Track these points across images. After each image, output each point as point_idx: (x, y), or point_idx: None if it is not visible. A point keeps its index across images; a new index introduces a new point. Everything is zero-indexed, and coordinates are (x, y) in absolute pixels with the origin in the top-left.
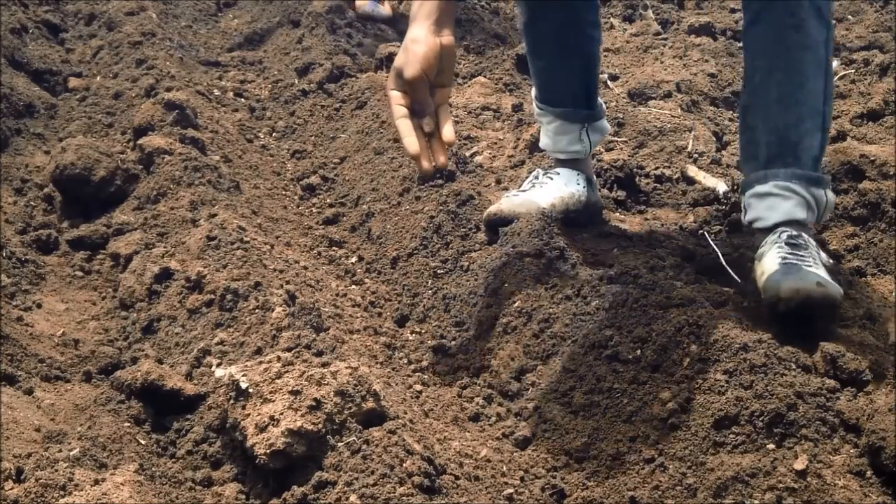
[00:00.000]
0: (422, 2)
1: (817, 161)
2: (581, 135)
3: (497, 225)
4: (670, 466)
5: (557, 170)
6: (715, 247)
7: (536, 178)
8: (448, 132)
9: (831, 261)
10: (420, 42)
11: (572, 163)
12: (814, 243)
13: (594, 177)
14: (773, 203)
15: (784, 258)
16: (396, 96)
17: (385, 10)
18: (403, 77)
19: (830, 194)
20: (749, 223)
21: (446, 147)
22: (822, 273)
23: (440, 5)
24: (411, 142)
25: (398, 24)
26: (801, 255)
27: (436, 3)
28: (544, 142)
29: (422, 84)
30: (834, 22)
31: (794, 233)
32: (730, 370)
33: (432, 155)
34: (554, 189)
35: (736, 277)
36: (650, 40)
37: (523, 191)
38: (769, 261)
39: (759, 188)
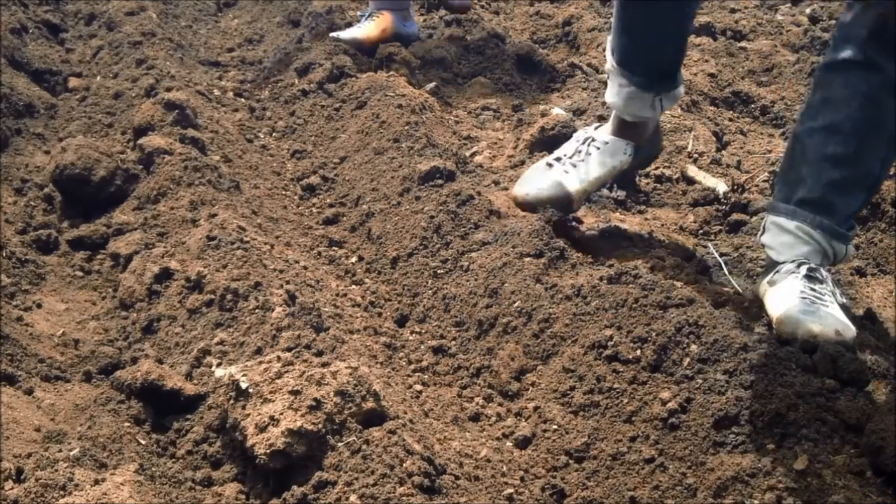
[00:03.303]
0: None
1: (851, 217)
2: (654, 102)
3: (525, 210)
4: (670, 466)
5: (607, 139)
6: (720, 259)
7: (581, 147)
8: None
9: (845, 299)
10: None
11: (633, 127)
12: (830, 278)
13: (651, 131)
14: (791, 242)
15: (802, 293)
16: None
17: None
18: None
19: (851, 249)
20: (762, 245)
21: None
22: (840, 315)
23: None
24: None
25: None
26: (819, 293)
27: None
28: (613, 100)
29: None
30: (834, 22)
31: (814, 265)
32: (730, 370)
33: None
34: (593, 166)
35: (737, 287)
36: None
37: (558, 161)
38: (786, 292)
39: (783, 222)
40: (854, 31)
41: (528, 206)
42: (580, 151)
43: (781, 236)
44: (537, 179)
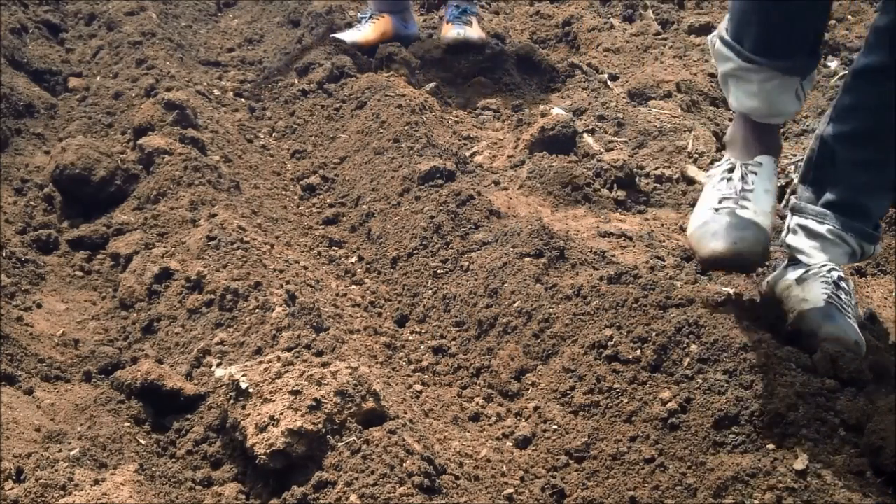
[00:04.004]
0: None
1: (879, 217)
2: (798, 90)
3: (719, 268)
4: (670, 466)
5: (759, 159)
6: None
7: (738, 177)
8: None
9: (861, 315)
10: None
11: (772, 132)
12: (853, 292)
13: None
14: (824, 246)
15: (830, 297)
16: None
17: (474, 32)
18: None
19: (878, 248)
20: (788, 246)
21: None
22: (857, 328)
23: None
24: None
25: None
26: (845, 304)
27: None
28: (754, 104)
29: None
30: (834, 22)
31: (844, 276)
32: (730, 370)
33: None
34: (763, 195)
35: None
36: (650, 40)
37: (728, 201)
38: (815, 292)
39: (813, 225)
40: (889, 37)
41: (732, 260)
42: (745, 182)
43: (811, 240)
44: (730, 228)
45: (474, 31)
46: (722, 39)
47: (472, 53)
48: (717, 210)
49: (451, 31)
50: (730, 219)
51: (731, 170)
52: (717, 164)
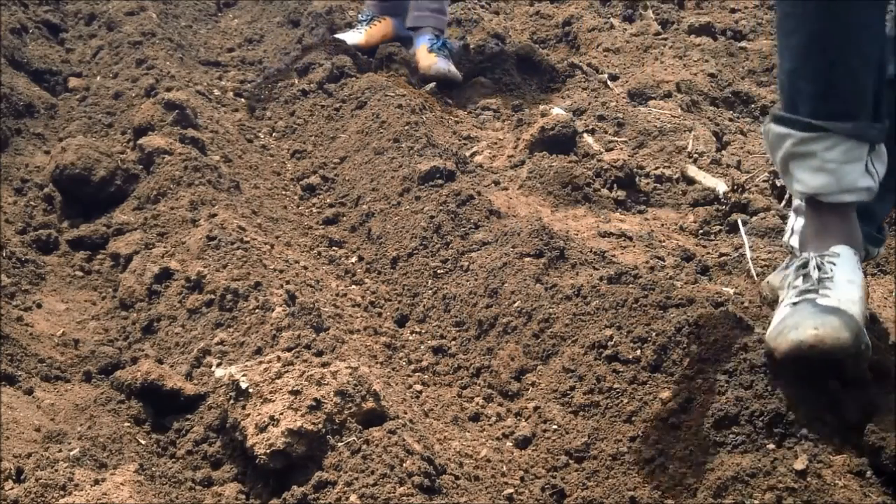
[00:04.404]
0: None
1: (883, 219)
2: (868, 163)
3: (804, 363)
4: (670, 466)
5: (836, 249)
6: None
7: (813, 267)
8: None
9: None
10: None
11: (847, 214)
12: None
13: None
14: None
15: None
16: None
17: (454, 69)
18: None
19: (882, 250)
20: (791, 247)
21: None
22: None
23: None
24: None
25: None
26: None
27: None
28: (818, 181)
29: None
30: None
31: None
32: (730, 370)
33: None
34: (847, 285)
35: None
36: (650, 40)
37: (808, 293)
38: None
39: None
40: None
41: (818, 350)
42: (823, 271)
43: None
44: (812, 315)
45: (454, 68)
46: (774, 117)
47: (472, 54)
48: (795, 304)
49: (440, 65)
50: (810, 308)
51: (804, 265)
52: (786, 264)
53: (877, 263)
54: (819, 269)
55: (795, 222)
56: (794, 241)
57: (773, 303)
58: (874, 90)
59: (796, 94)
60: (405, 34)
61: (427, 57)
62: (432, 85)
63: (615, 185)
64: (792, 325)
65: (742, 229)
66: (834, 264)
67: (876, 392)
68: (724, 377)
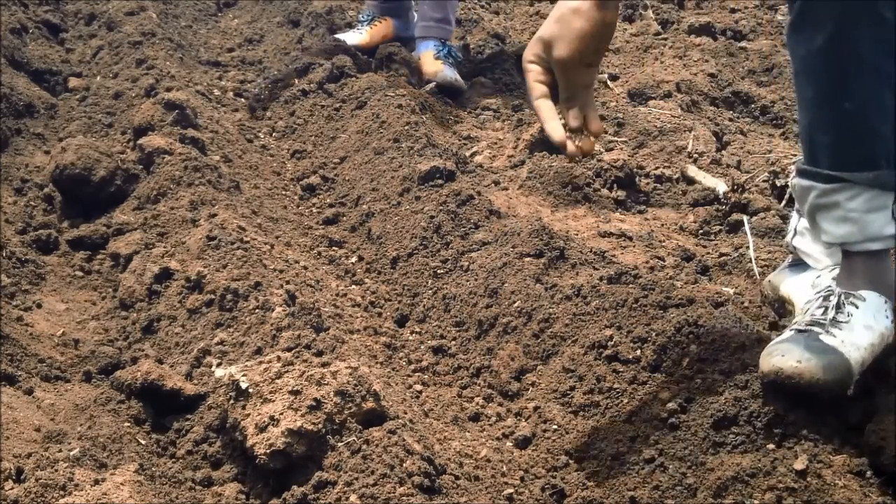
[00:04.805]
0: None
1: None
2: (893, 211)
3: (780, 390)
4: (670, 466)
5: (863, 293)
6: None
7: (833, 304)
8: (595, 124)
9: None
10: (581, 15)
11: (877, 263)
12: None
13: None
14: (832, 252)
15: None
16: (536, 71)
17: (460, 77)
18: (552, 55)
19: None
20: (794, 248)
21: (592, 137)
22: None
23: None
24: (555, 127)
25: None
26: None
27: None
28: (843, 231)
29: (574, 66)
30: None
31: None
32: (729, 370)
33: (576, 140)
34: (862, 330)
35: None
36: (650, 40)
37: (815, 326)
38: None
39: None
40: None
41: (792, 383)
42: (840, 311)
43: (818, 244)
44: (803, 347)
45: (459, 77)
46: (798, 171)
47: (472, 54)
48: (799, 331)
49: (446, 73)
50: (808, 341)
51: (828, 297)
52: (787, 264)
53: None
54: (838, 307)
55: (798, 222)
56: (797, 242)
57: (773, 302)
58: (888, 135)
59: (815, 146)
60: (406, 34)
61: (433, 63)
62: (432, 85)
63: (615, 185)
64: (782, 350)
65: (747, 227)
66: (856, 307)
67: (876, 392)
68: (722, 377)
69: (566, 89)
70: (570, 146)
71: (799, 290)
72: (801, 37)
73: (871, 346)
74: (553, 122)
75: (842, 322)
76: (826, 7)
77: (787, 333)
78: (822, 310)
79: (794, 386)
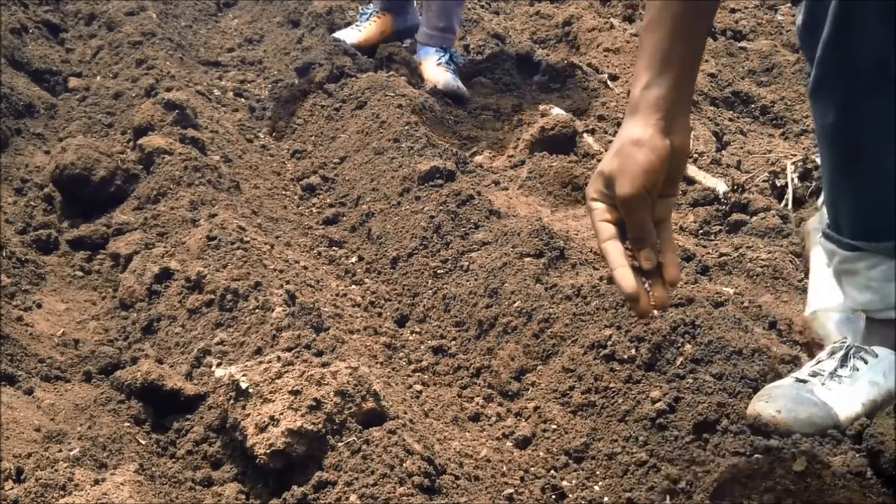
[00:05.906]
0: (646, 87)
1: None
2: None
3: (766, 435)
4: (663, 468)
5: (876, 349)
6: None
7: (844, 357)
8: (672, 271)
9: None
10: (644, 146)
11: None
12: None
13: None
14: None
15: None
16: (600, 209)
17: (463, 87)
18: (616, 192)
19: None
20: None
21: (668, 286)
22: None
23: (674, 92)
24: (625, 276)
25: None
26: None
27: (668, 89)
28: (864, 298)
29: (641, 203)
30: None
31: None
32: (721, 373)
33: (648, 288)
34: (865, 386)
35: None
36: None
37: (815, 376)
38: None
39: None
40: None
41: (768, 431)
42: (845, 365)
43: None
44: (789, 397)
45: (462, 84)
46: (824, 233)
47: (472, 54)
48: (798, 380)
49: (449, 79)
50: (798, 392)
51: (840, 349)
52: (840, 327)
53: None
54: (844, 361)
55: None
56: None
57: (772, 303)
58: None
59: (837, 211)
60: (405, 26)
61: (436, 69)
62: (432, 85)
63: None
64: (770, 396)
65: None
66: (865, 362)
67: None
68: (712, 378)
69: (633, 229)
70: (644, 301)
71: (818, 265)
72: (818, 105)
73: (870, 403)
74: (622, 270)
75: (843, 377)
76: (835, 85)
77: (787, 379)
78: (828, 361)
79: (771, 433)
